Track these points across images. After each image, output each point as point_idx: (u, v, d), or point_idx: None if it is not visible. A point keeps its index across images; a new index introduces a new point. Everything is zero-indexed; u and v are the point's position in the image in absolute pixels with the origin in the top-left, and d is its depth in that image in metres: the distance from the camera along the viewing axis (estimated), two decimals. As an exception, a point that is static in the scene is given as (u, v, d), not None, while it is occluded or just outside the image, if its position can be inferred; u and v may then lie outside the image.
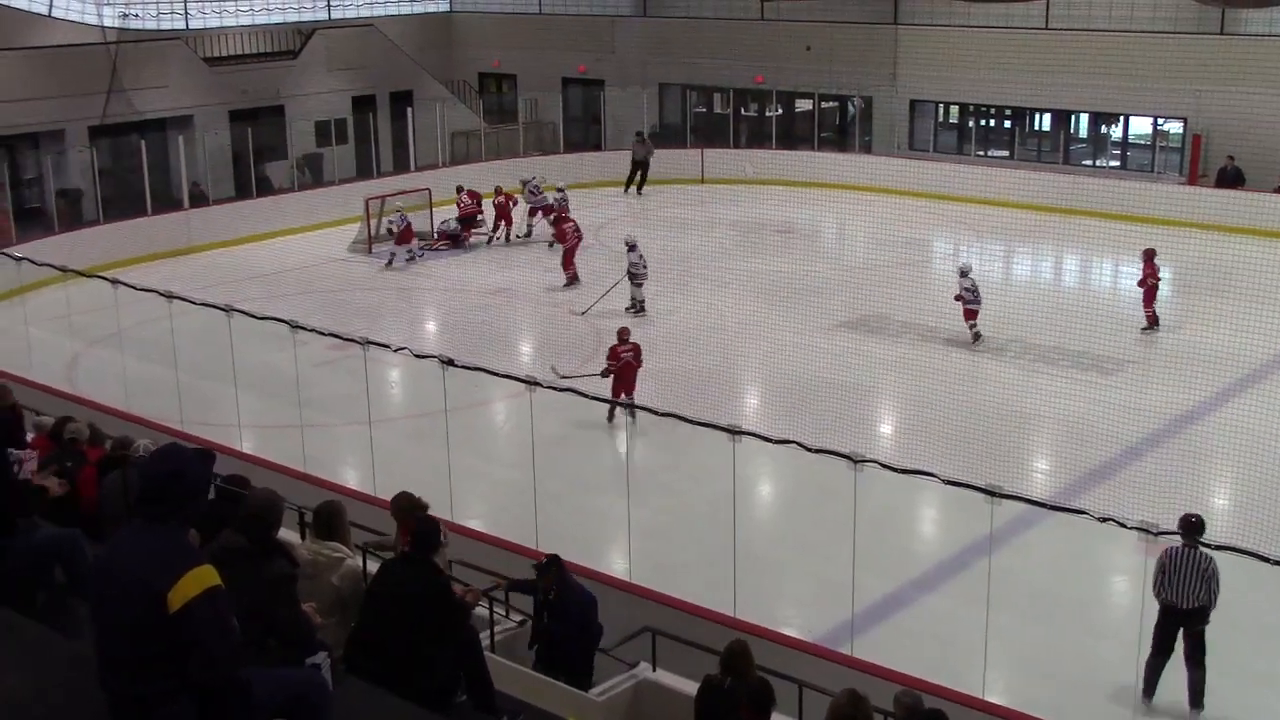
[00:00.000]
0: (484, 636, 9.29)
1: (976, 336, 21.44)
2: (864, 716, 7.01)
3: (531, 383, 13.17)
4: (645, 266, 23.60)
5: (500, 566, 10.98)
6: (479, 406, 18.24)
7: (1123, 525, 11.03)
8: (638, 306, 23.58)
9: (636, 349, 18.08)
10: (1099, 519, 12.02)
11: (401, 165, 35.71)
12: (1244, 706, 11.81)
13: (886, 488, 12.92)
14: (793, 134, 38.81)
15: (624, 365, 17.85)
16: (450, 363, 13.53)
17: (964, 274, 21.72)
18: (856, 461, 10.70)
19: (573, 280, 25.82)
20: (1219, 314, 21.34)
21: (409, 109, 35.55)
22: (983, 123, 37.97)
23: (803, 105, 39.72)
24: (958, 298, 21.66)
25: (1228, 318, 20.75)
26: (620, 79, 40.57)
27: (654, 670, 9.83)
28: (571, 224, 26.60)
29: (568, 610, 9.93)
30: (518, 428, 15.98)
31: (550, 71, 41.97)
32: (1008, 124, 37.65)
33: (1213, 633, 11.53)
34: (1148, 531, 9.81)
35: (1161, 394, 18.38)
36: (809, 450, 11.44)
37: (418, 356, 14.88)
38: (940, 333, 21.91)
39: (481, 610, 9.69)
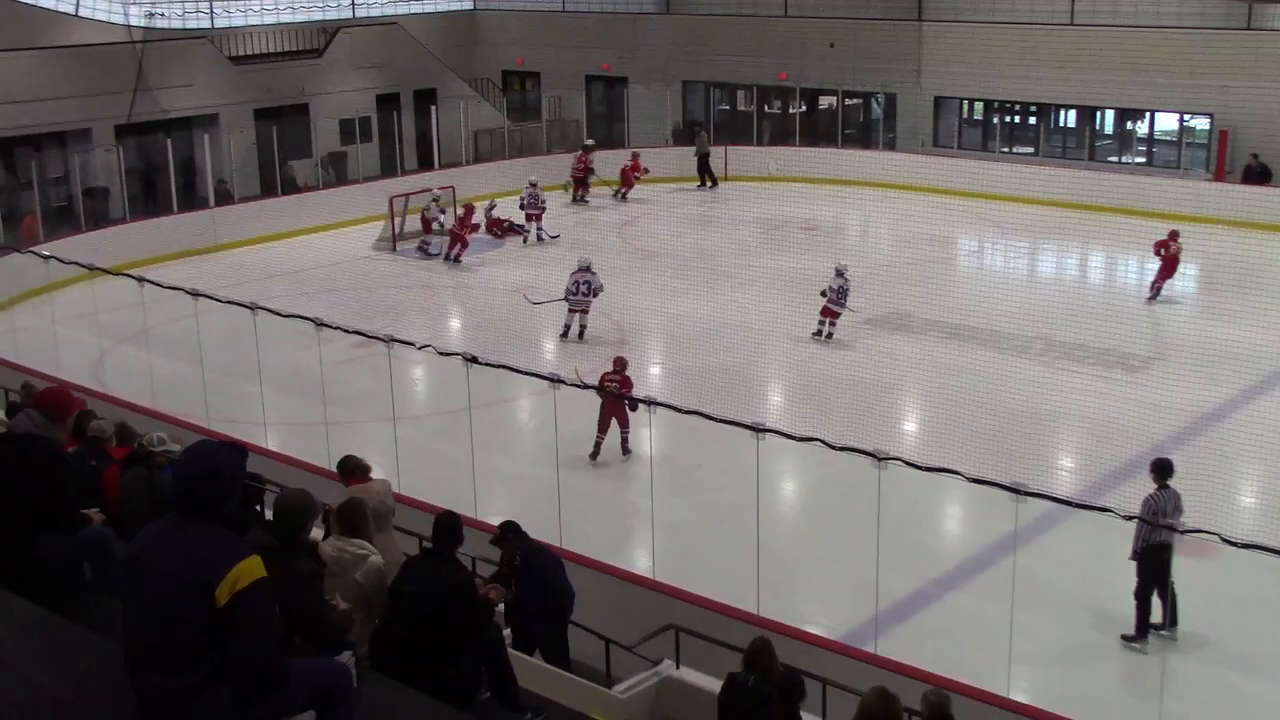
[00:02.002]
0: (507, 633, 9.31)
1: (821, 334, 21.74)
2: (894, 715, 7.00)
3: (555, 380, 13.19)
4: (589, 293, 22.31)
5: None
6: (503, 404, 18.28)
7: (1150, 523, 11.03)
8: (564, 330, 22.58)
9: (624, 381, 16.84)
10: (1124, 517, 12.01)
11: (425, 163, 35.78)
12: (1270, 701, 11.75)
13: (910, 486, 12.89)
14: (816, 131, 38.72)
15: (606, 395, 16.54)
16: (474, 360, 13.56)
17: (839, 274, 21.87)
18: (880, 459, 10.69)
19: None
20: (1245, 311, 21.23)
21: (433, 107, 35.61)
22: (1007, 119, 37.82)
23: (826, 102, 39.64)
24: (822, 293, 21.80)
25: (1254, 314, 20.64)
26: (643, 76, 40.58)
27: (677, 668, 9.84)
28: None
29: (538, 576, 9.69)
30: (542, 425, 16.00)
31: (574, 69, 42.00)
32: (1032, 120, 37.45)
33: (1238, 634, 11.48)
34: (1174, 529, 9.77)
35: (1187, 391, 18.29)
36: (833, 448, 11.42)
37: (441, 354, 14.93)
38: (965, 330, 21.85)
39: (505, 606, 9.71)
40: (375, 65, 38.18)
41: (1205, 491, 14.49)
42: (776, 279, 25.94)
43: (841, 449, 11.32)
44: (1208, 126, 33.30)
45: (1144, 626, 12.25)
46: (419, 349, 15.40)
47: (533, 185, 30.14)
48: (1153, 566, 12.02)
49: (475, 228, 28.90)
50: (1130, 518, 12.07)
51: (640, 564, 13.31)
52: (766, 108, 40.75)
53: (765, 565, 11.75)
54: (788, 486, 16.42)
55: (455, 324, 24.94)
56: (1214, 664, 12.09)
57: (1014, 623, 10.76)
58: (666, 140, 38.72)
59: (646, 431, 13.98)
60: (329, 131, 36.05)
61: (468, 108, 36.97)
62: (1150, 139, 35.40)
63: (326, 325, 15.15)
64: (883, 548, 11.12)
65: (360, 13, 40.75)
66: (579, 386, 13.72)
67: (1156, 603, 12.23)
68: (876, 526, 10.95)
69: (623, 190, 33.85)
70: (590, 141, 35.68)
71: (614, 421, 16.67)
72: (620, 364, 17.08)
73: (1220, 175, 32.02)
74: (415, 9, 42.87)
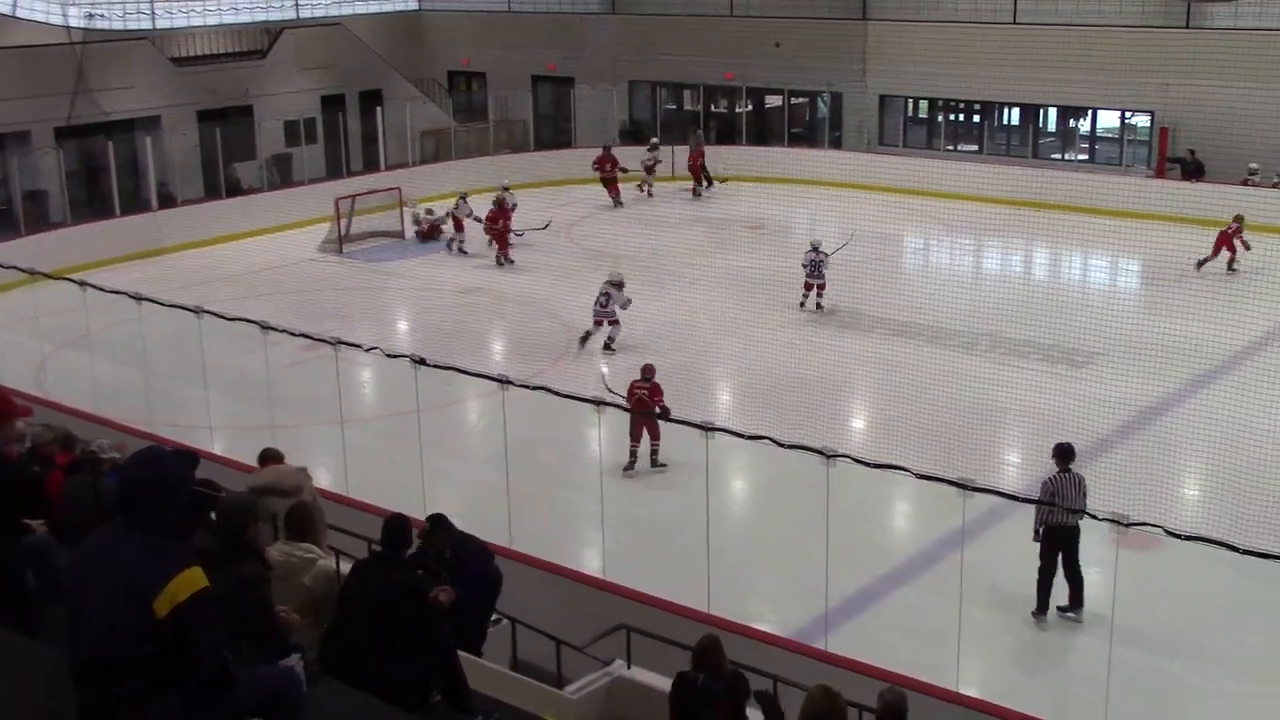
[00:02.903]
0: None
1: (805, 306, 22.99)
2: (838, 711, 7.03)
3: (504, 382, 13.15)
4: (605, 305, 21.89)
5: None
6: (451, 406, 18.22)
7: (1094, 517, 11.14)
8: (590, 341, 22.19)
9: (651, 388, 16.65)
10: (1070, 511, 12.16)
11: (371, 164, 35.61)
12: (1213, 693, 11.90)
13: (859, 482, 12.94)
14: (763, 130, 38.87)
15: (635, 403, 16.52)
16: (422, 362, 13.50)
17: (814, 248, 23.10)
18: (829, 456, 10.74)
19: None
20: (1187, 305, 21.49)
21: (378, 108, 35.44)
22: (951, 117, 38.14)
23: (773, 101, 39.80)
24: (803, 265, 23.01)
25: (1196, 309, 20.90)
26: (590, 76, 40.55)
27: (629, 667, 9.85)
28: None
29: (469, 567, 9.53)
30: (491, 426, 15.96)
31: (520, 69, 41.92)
32: (976, 118, 37.79)
33: (1183, 622, 11.62)
34: (1118, 523, 9.86)
35: (1131, 386, 18.49)
36: (782, 446, 11.46)
37: (389, 356, 14.86)
38: (912, 327, 21.99)
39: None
40: (320, 66, 37.94)
41: (1149, 485, 14.68)
42: (724, 278, 26.01)
43: (790, 447, 11.36)
44: (1149, 124, 33.70)
45: (1043, 604, 12.74)
46: (366, 351, 15.33)
47: (505, 189, 30.08)
48: (1050, 547, 12.54)
49: (507, 223, 28.05)
50: (1077, 511, 12.22)
51: (590, 564, 13.31)
52: (713, 107, 40.85)
53: (715, 563, 11.77)
54: (737, 485, 16.46)
55: (403, 326, 24.83)
56: (1158, 655, 12.22)
57: (962, 617, 10.84)
58: (614, 141, 38.72)
59: (595, 432, 13.97)
60: (273, 133, 35.80)
61: (413, 109, 36.82)
62: (1092, 136, 35.81)
63: (272, 328, 15.03)
64: (832, 544, 11.17)
65: (304, 13, 40.48)
66: (528, 389, 13.66)
67: (1064, 585, 12.68)
68: (826, 523, 10.99)
69: (702, 186, 34.34)
70: (656, 140, 35.45)
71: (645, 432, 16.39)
72: (649, 372, 16.82)
73: (1161, 172, 32.41)
74: (359, 9, 42.63)
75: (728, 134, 38.93)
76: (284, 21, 39.14)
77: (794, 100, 39.61)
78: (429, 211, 30.33)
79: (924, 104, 38.42)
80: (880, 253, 27.97)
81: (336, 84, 38.25)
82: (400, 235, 30.07)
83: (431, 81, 43.22)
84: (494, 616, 10.41)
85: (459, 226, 29.09)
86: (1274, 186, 29.49)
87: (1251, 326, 20.50)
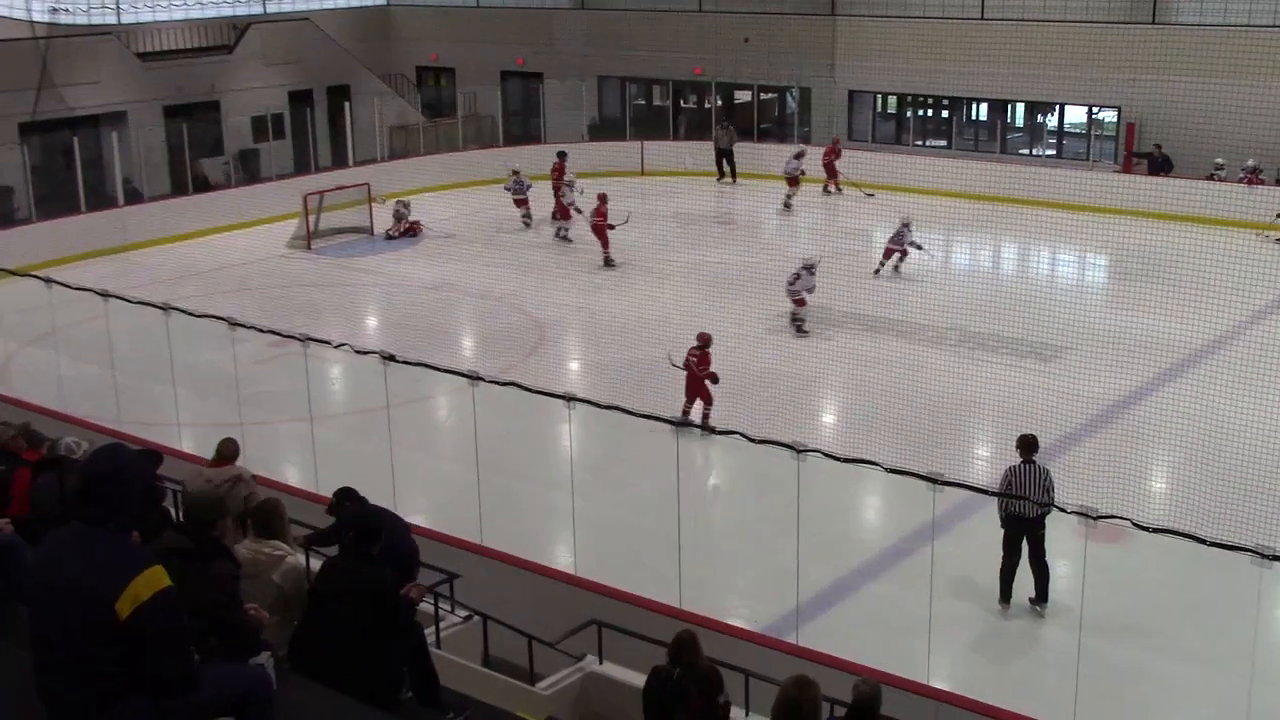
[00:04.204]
0: (429, 632, 9.24)
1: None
2: (810, 701, 7.04)
3: (474, 377, 13.12)
4: (793, 283, 22.15)
5: (446, 561, 10.94)
6: (421, 402, 18.17)
7: (1063, 510, 11.19)
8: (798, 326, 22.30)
9: (700, 356, 17.54)
10: (1039, 504, 12.22)
11: (339, 160, 35.44)
12: (1181, 684, 11.98)
13: (830, 477, 12.99)
14: (732, 125, 38.86)
15: (687, 368, 17.57)
16: (391, 358, 13.46)
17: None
18: (799, 451, 10.76)
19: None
20: (1154, 300, 21.60)
21: (346, 103, 35.29)
22: (920, 113, 38.26)
23: (742, 97, 39.83)
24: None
25: (1163, 303, 21.00)
26: (559, 72, 40.49)
27: (601, 663, 9.84)
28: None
29: (385, 542, 9.39)
30: (461, 422, 15.93)
31: (488, 65, 41.83)
32: (945, 114, 37.94)
33: (1150, 613, 11.70)
34: (1087, 516, 9.91)
35: (1099, 379, 18.58)
36: (752, 441, 11.49)
37: (358, 352, 14.80)
38: (881, 322, 22.05)
39: (427, 606, 9.66)
40: (287, 61, 37.75)
41: (1117, 478, 14.77)
42: (693, 274, 26.02)
43: (761, 442, 11.38)
44: (1116, 119, 33.90)
45: (1005, 594, 12.87)
46: (336, 348, 15.26)
47: (516, 173, 30.59)
48: (1011, 537, 12.67)
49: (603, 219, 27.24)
50: (1045, 504, 12.29)
51: (562, 560, 13.30)
52: (682, 102, 40.85)
53: (686, 559, 11.78)
54: (708, 480, 16.47)
55: (372, 322, 24.74)
56: (1126, 645, 12.29)
57: (933, 610, 10.89)
58: (583, 136, 38.68)
59: (565, 428, 13.95)
60: (240, 129, 35.60)
61: (381, 104, 36.69)
62: (1060, 131, 36.00)
63: (241, 325, 14.96)
64: (803, 539, 11.19)
65: (271, 8, 40.29)
66: (499, 385, 13.63)
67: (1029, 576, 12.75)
68: (797, 518, 11.01)
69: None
70: (803, 148, 34.49)
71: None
72: (703, 340, 17.70)
73: (1128, 167, 32.60)
74: (327, 4, 42.44)
75: (697, 129, 38.92)
76: (251, 16, 38.94)
77: (763, 96, 39.67)
78: (404, 204, 30.22)
79: (892, 100, 38.53)
80: (848, 248, 28.04)
81: (304, 79, 38.06)
82: (369, 231, 29.96)
83: (400, 77, 43.09)
84: (465, 613, 10.40)
85: (565, 214, 28.83)
86: (1239, 181, 29.68)
87: (1218, 321, 20.64)
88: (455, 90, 41.81)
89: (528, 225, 30.52)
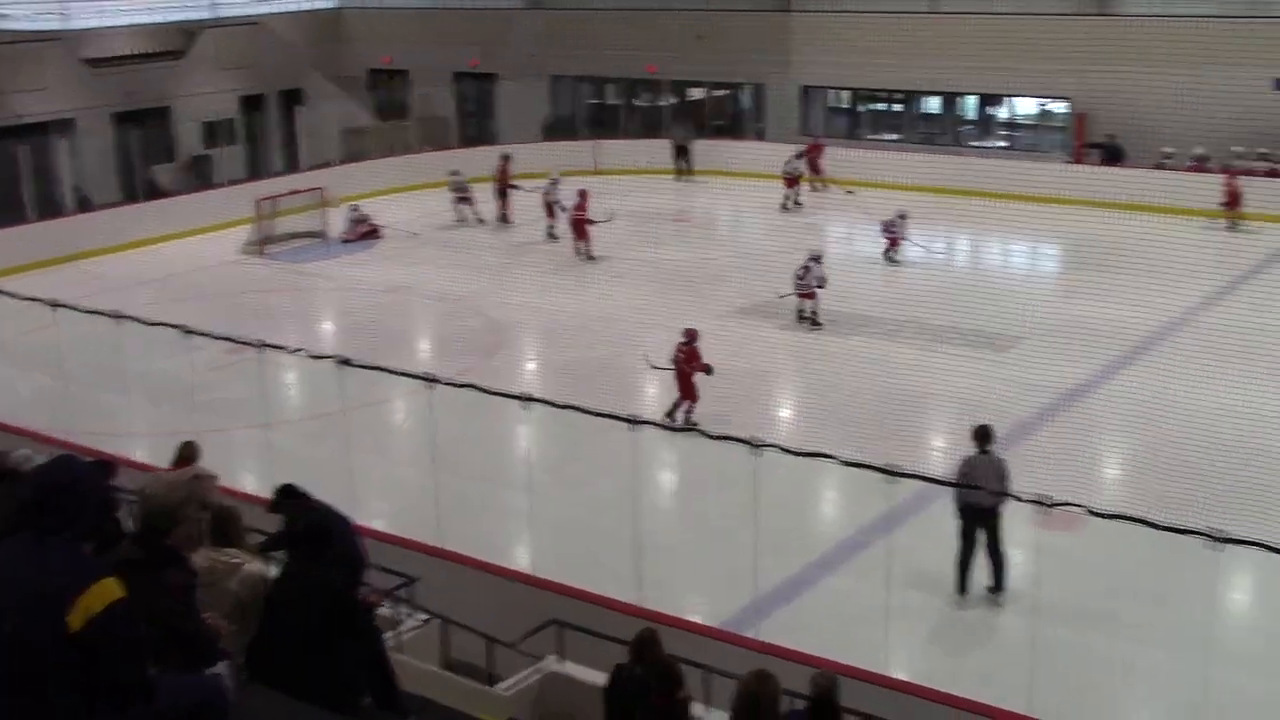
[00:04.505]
0: (388, 636, 9.23)
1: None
2: (769, 695, 7.08)
3: (431, 380, 13.09)
4: (803, 278, 22.17)
5: (404, 565, 10.92)
6: (378, 405, 18.11)
7: (1018, 499, 11.28)
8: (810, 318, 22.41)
9: (688, 353, 17.70)
10: (994, 493, 12.31)
11: (292, 165, 35.26)
12: (1137, 667, 12.10)
13: (787, 471, 13.03)
14: (687, 123, 38.88)
15: (675, 363, 17.78)
16: (347, 362, 13.41)
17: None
18: (756, 446, 10.79)
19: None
20: (1106, 289, 21.81)
21: (299, 107, 35.08)
22: (873, 107, 38.41)
23: (696, 94, 39.88)
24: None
25: (1114, 292, 21.21)
26: (513, 72, 40.41)
27: (561, 662, 9.85)
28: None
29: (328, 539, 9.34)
30: (419, 425, 15.89)
31: (441, 66, 41.65)
32: (898, 107, 38.10)
33: (1105, 598, 11.81)
34: (1042, 504, 9.99)
35: (1053, 369, 18.73)
36: (709, 437, 11.53)
37: (314, 357, 14.74)
38: (837, 316, 22.12)
39: (386, 610, 9.64)
40: (239, 66, 37.49)
41: (1071, 466, 14.90)
42: (649, 271, 26.05)
43: (717, 438, 11.42)
44: (1066, 110, 34.16)
45: (961, 584, 12.98)
46: (291, 353, 15.19)
47: (455, 174, 31.08)
48: (967, 527, 12.79)
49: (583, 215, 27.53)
50: (1001, 494, 12.38)
51: (520, 561, 13.29)
52: (635, 101, 40.86)
53: (645, 556, 11.80)
54: (665, 477, 16.50)
55: (328, 327, 24.63)
56: (1082, 631, 12.40)
57: (891, 602, 10.95)
58: (537, 136, 38.62)
59: (524, 428, 13.95)
60: (192, 134, 35.35)
61: (335, 108, 36.51)
62: (1012, 123, 36.23)
63: (195, 332, 14.86)
64: (761, 534, 11.23)
65: (221, 12, 39.98)
66: (456, 386, 13.61)
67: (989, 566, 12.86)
68: (754, 513, 11.05)
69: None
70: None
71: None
72: (689, 335, 17.84)
73: (1080, 157, 32.86)
74: (279, 8, 42.13)
75: (651, 127, 38.93)
76: (201, 21, 38.63)
77: (717, 92, 39.74)
78: (355, 208, 30.16)
79: (846, 94, 38.66)
80: (804, 242, 28.14)
81: (256, 84, 37.82)
82: (323, 235, 29.84)
83: (353, 80, 42.85)
84: (424, 616, 10.39)
85: (550, 213, 28.97)
86: (1187, 169, 29.96)
87: (1168, 308, 20.88)
88: (408, 92, 41.63)
89: (481, 222, 30.69)
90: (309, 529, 7.91)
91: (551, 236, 28.94)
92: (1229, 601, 12.84)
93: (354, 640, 7.50)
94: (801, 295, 22.09)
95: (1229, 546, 8.92)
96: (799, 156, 32.26)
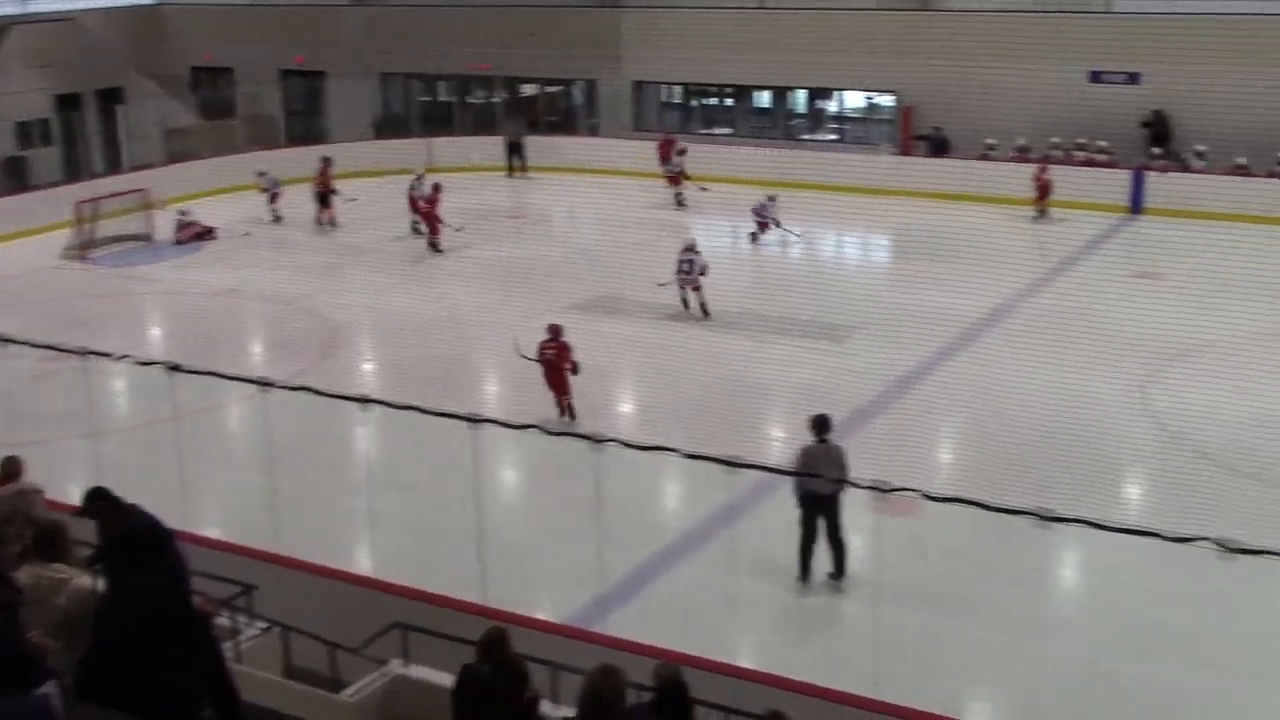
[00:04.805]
0: (226, 646, 9.00)
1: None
2: (615, 689, 7.07)
3: (265, 384, 12.81)
4: (690, 271, 22.17)
5: (242, 573, 10.66)
6: (211, 411, 17.67)
7: (856, 485, 11.47)
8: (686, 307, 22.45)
9: (560, 347, 17.53)
10: (832, 481, 12.50)
11: (114, 166, 34.21)
12: (976, 646, 12.40)
13: (629, 465, 13.04)
14: (520, 120, 38.78)
15: (543, 363, 17.50)
16: (177, 368, 13.04)
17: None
18: (597, 441, 10.79)
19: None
20: (936, 276, 22.35)
21: (118, 107, 34.04)
22: (705, 101, 38.78)
23: (529, 90, 39.79)
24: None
25: (944, 279, 21.74)
26: (341, 69, 39.80)
27: (406, 665, 9.72)
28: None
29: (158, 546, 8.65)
30: (253, 429, 15.56)
31: (267, 64, 40.85)
32: (729, 102, 38.52)
33: (943, 580, 12.07)
34: (879, 490, 10.16)
35: (887, 356, 19.12)
36: (550, 434, 11.51)
37: (142, 364, 14.29)
38: (675, 309, 22.26)
39: (224, 620, 9.41)
40: (52, 64, 36.09)
41: (907, 450, 15.23)
42: (486, 269, 25.91)
43: (558, 434, 11.40)
44: (893, 103, 34.92)
45: (805, 571, 13.14)
46: (118, 360, 14.71)
47: (263, 174, 30.80)
48: (808, 515, 12.97)
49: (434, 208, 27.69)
50: (839, 481, 12.57)
51: (362, 564, 13.10)
52: (468, 98, 40.60)
53: (490, 555, 11.72)
54: (508, 475, 16.43)
55: (156, 332, 23.95)
56: (922, 613, 12.66)
57: (735, 591, 11.04)
58: (367, 134, 38.14)
59: (362, 430, 13.75)
60: (4, 135, 34.05)
61: (157, 107, 35.52)
62: (840, 117, 36.90)
63: (12, 341, 14.30)
64: (605, 528, 11.24)
65: (31, 8, 38.55)
66: (290, 389, 13.33)
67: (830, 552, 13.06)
68: (597, 508, 11.05)
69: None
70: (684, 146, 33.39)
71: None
72: (554, 331, 17.64)
73: (907, 149, 33.61)
74: (93, 4, 40.79)
75: (484, 124, 38.71)
76: (9, 17, 37.18)
77: (549, 89, 39.70)
78: (183, 213, 29.43)
79: (678, 89, 38.97)
80: (639, 237, 28.29)
81: (71, 82, 36.46)
82: (149, 238, 29.02)
83: (175, 78, 41.74)
84: (264, 625, 10.16)
85: (414, 206, 28.71)
86: (1009, 160, 30.85)
87: (995, 295, 21.48)
88: (234, 91, 40.72)
89: (278, 219, 30.56)
90: (127, 535, 7.67)
91: (416, 232, 28.72)
92: (1058, 578, 13.25)
93: (191, 652, 7.29)
94: (688, 287, 22.22)
95: (1057, 525, 9.18)
96: (680, 154, 32.15)
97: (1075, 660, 11.73)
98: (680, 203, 31.36)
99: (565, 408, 17.63)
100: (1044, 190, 28.83)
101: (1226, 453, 15.92)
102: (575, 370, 17.55)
